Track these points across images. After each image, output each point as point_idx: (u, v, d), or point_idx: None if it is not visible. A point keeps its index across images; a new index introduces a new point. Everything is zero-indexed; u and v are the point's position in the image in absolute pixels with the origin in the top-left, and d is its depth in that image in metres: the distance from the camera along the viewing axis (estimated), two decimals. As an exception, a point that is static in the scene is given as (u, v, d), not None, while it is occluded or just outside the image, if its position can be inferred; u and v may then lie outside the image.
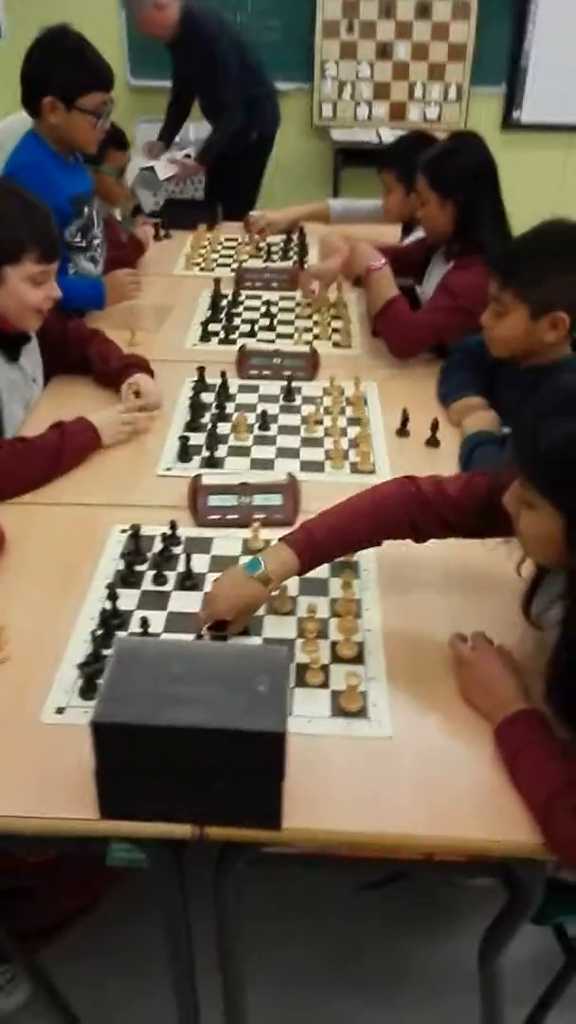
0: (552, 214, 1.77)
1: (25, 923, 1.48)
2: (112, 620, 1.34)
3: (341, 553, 1.41)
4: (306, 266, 2.79)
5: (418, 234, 2.53)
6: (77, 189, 2.35)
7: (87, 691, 1.22)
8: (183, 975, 1.30)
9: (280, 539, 1.35)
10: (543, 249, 1.73)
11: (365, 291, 2.37)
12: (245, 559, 1.34)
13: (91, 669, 1.23)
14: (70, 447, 1.70)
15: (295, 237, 3.00)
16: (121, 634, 1.32)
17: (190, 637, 1.32)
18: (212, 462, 1.76)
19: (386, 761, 1.14)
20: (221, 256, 2.89)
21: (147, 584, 1.44)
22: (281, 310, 2.47)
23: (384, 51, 4.65)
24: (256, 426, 1.88)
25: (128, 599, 1.39)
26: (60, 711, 1.20)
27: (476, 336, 1.88)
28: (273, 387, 2.05)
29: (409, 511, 1.35)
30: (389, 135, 4.61)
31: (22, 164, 2.25)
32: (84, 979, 1.67)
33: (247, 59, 3.89)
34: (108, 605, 1.35)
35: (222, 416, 1.92)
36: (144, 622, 1.31)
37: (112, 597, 1.35)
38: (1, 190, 1.72)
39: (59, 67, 2.17)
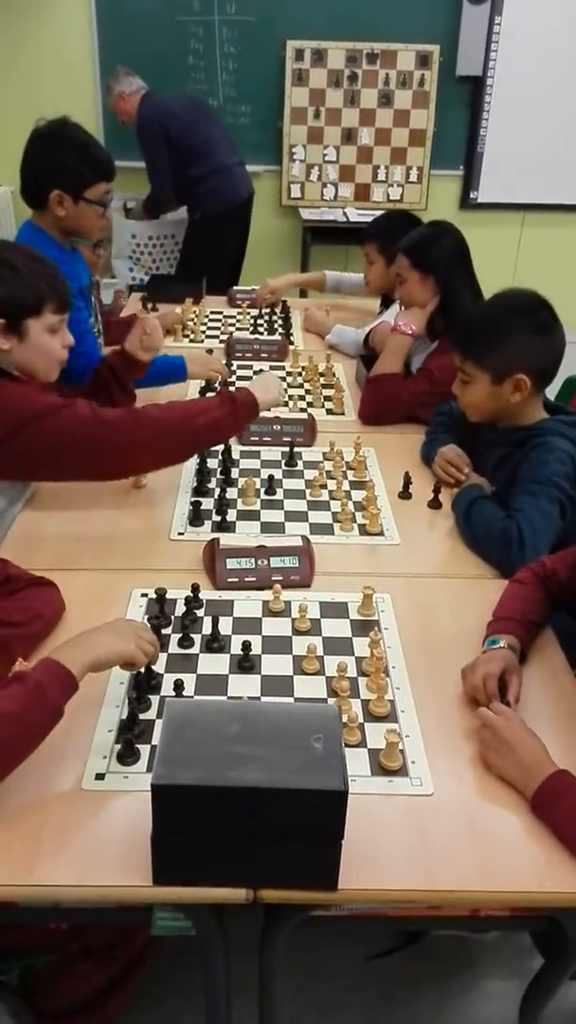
0: (509, 286, 1.91)
1: (50, 1002, 1.42)
2: (145, 683, 1.34)
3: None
4: (292, 339, 2.89)
5: (395, 307, 2.63)
6: (84, 280, 2.36)
7: (125, 756, 1.22)
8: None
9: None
10: (496, 318, 1.85)
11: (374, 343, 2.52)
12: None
13: (130, 734, 1.23)
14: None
15: (278, 310, 3.10)
16: (170, 697, 1.31)
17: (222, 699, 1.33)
18: (223, 526, 1.79)
19: (430, 819, 1.15)
20: (209, 328, 2.97)
21: (173, 647, 1.45)
22: (273, 379, 2.53)
23: (349, 136, 4.88)
24: (263, 490, 1.92)
25: (157, 662, 1.39)
26: (100, 777, 1.20)
27: None
28: (274, 453, 2.10)
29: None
30: (355, 214, 4.83)
31: None
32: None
33: (191, 141, 4.12)
34: (140, 669, 1.35)
35: (228, 481, 1.95)
36: (179, 685, 1.31)
37: (144, 661, 1.35)
38: (6, 247, 1.73)
39: (65, 160, 2.15)
